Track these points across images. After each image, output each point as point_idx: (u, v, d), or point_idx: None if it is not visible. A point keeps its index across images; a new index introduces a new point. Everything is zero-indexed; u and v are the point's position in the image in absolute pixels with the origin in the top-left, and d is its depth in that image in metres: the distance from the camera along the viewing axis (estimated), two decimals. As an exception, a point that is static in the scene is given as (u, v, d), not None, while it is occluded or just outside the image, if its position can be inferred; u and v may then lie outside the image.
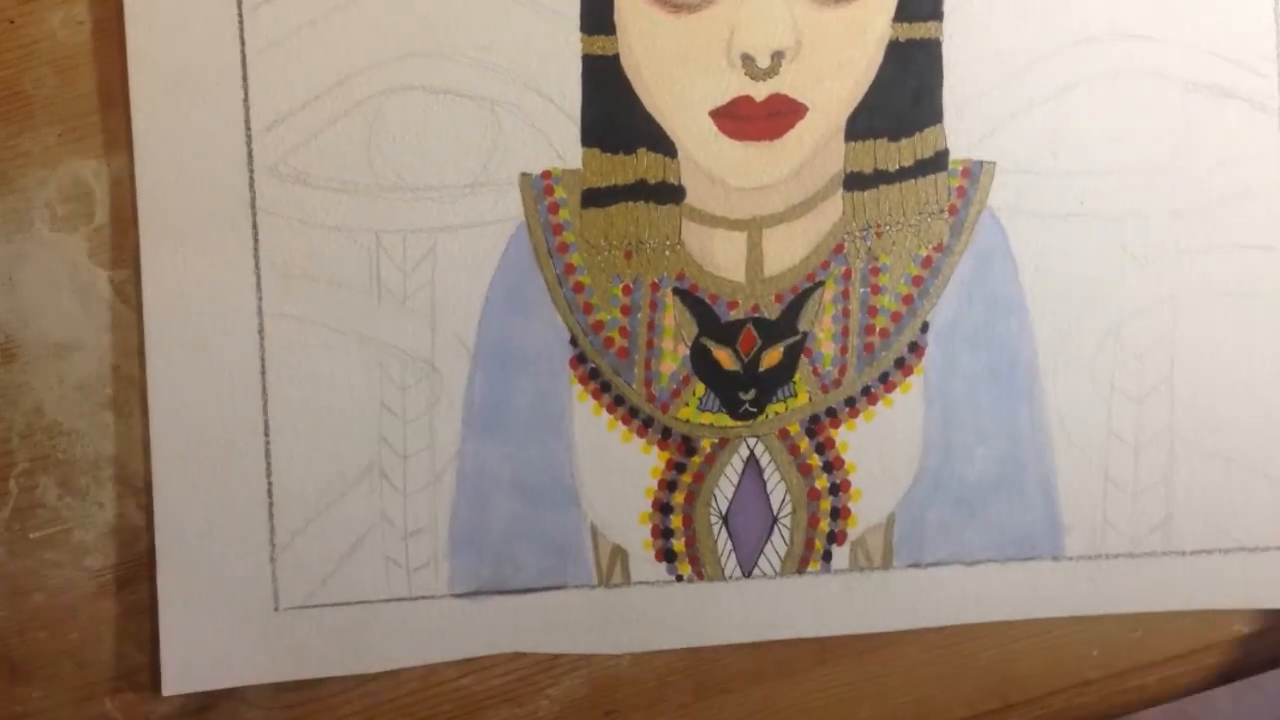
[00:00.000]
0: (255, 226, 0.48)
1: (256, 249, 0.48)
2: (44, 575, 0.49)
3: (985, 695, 0.55)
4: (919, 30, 0.49)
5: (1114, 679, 0.53)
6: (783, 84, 0.48)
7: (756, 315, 0.50)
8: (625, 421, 0.50)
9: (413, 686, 0.50)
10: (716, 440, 0.51)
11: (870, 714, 0.54)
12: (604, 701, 0.51)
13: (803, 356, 0.50)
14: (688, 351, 0.50)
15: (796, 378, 0.50)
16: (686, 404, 0.50)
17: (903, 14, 0.49)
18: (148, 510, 0.48)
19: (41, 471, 0.48)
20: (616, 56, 0.48)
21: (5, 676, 0.49)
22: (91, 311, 0.48)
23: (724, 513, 0.51)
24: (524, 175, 0.49)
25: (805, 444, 0.51)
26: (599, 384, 0.50)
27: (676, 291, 0.50)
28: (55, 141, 0.47)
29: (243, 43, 0.47)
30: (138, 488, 0.48)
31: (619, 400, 0.50)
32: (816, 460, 0.51)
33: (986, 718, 0.55)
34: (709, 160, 0.49)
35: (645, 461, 0.50)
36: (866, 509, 0.52)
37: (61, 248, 0.47)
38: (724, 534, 0.51)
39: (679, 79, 0.48)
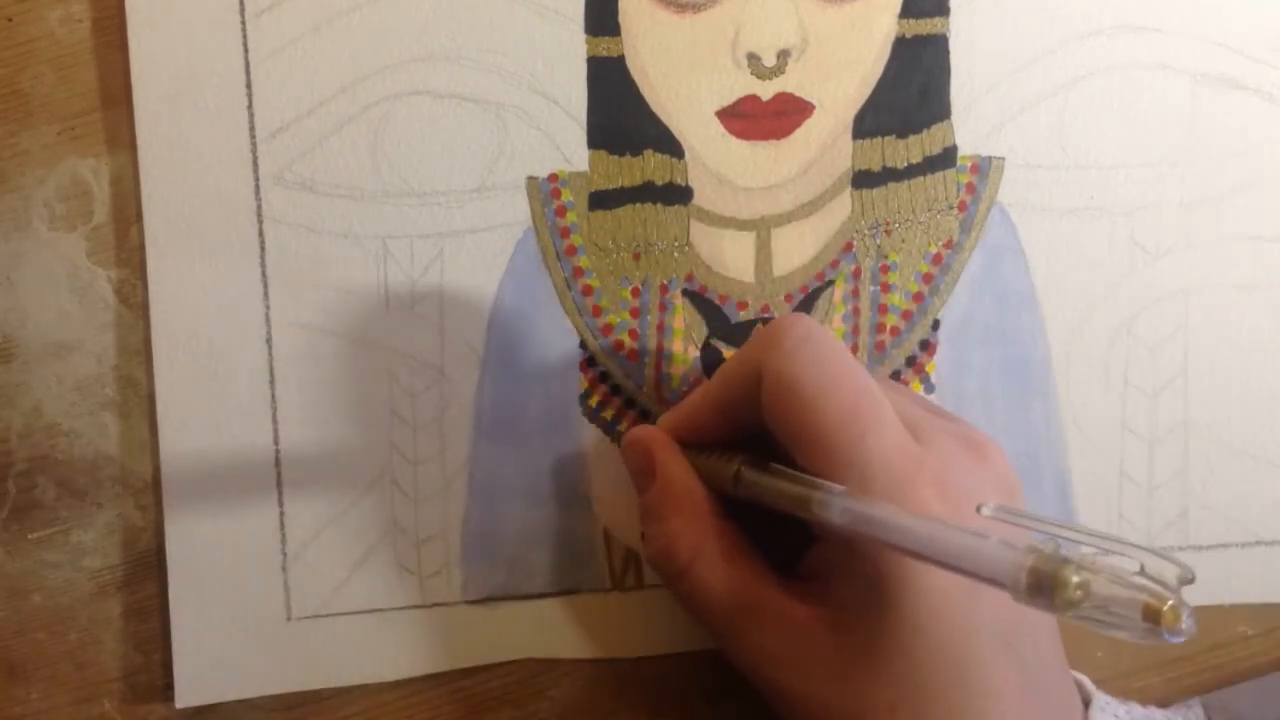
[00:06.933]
0: (261, 235, 0.47)
1: (263, 257, 0.47)
2: (42, 576, 0.48)
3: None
4: (925, 26, 0.49)
5: (1119, 680, 0.53)
6: (789, 83, 0.48)
7: (767, 316, 0.50)
8: (636, 424, 0.50)
9: (414, 688, 0.50)
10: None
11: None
12: (605, 703, 0.51)
13: (814, 356, 0.50)
14: (698, 353, 0.50)
15: (808, 378, 0.50)
16: (698, 406, 0.50)
17: (909, 10, 0.49)
18: (147, 511, 0.48)
19: (40, 472, 0.48)
20: (622, 58, 0.48)
21: (4, 677, 0.48)
22: (90, 311, 0.47)
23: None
24: (530, 179, 0.48)
25: (817, 444, 0.51)
26: (609, 387, 0.50)
27: (686, 293, 0.50)
28: (54, 140, 0.47)
29: (246, 50, 0.46)
30: (137, 488, 0.48)
31: (630, 403, 0.50)
32: (828, 460, 0.51)
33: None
34: (716, 160, 0.49)
35: (657, 464, 0.50)
36: (879, 508, 0.51)
37: (60, 247, 0.47)
38: (736, 535, 0.51)
39: (685, 79, 0.48)
